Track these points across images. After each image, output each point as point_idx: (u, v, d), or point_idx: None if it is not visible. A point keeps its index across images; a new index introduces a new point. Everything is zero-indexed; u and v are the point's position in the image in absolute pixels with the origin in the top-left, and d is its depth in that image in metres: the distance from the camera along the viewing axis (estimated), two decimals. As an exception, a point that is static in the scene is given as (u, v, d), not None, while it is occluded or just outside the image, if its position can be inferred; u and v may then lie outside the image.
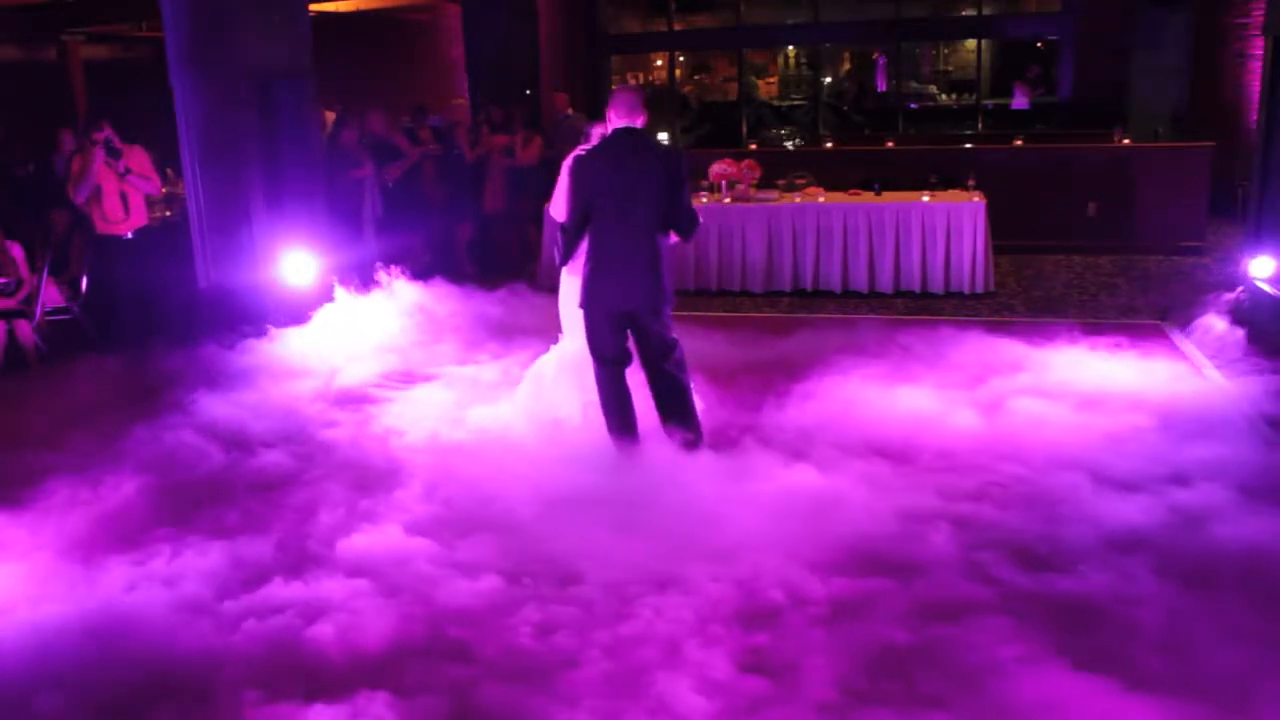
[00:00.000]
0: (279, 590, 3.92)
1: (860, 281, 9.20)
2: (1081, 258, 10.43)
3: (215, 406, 6.01)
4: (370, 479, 4.99)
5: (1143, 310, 8.29)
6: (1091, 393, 5.84)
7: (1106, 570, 3.86)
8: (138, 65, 13.81)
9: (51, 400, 6.33)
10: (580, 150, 5.04)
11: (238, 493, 4.90)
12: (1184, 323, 7.50)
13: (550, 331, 5.76)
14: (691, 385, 5.14)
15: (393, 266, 8.07)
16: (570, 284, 5.18)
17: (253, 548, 4.29)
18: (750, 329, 7.79)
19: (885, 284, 9.14)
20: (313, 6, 8.71)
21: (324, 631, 3.63)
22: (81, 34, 13.11)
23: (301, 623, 3.69)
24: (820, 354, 6.59)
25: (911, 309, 8.61)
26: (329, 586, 3.94)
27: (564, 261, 5.11)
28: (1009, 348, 6.73)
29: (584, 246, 4.92)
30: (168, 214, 9.25)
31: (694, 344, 6.90)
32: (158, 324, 7.53)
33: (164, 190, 9.00)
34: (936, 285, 9.04)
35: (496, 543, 4.23)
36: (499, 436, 5.41)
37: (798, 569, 3.97)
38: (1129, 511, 4.33)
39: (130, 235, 7.68)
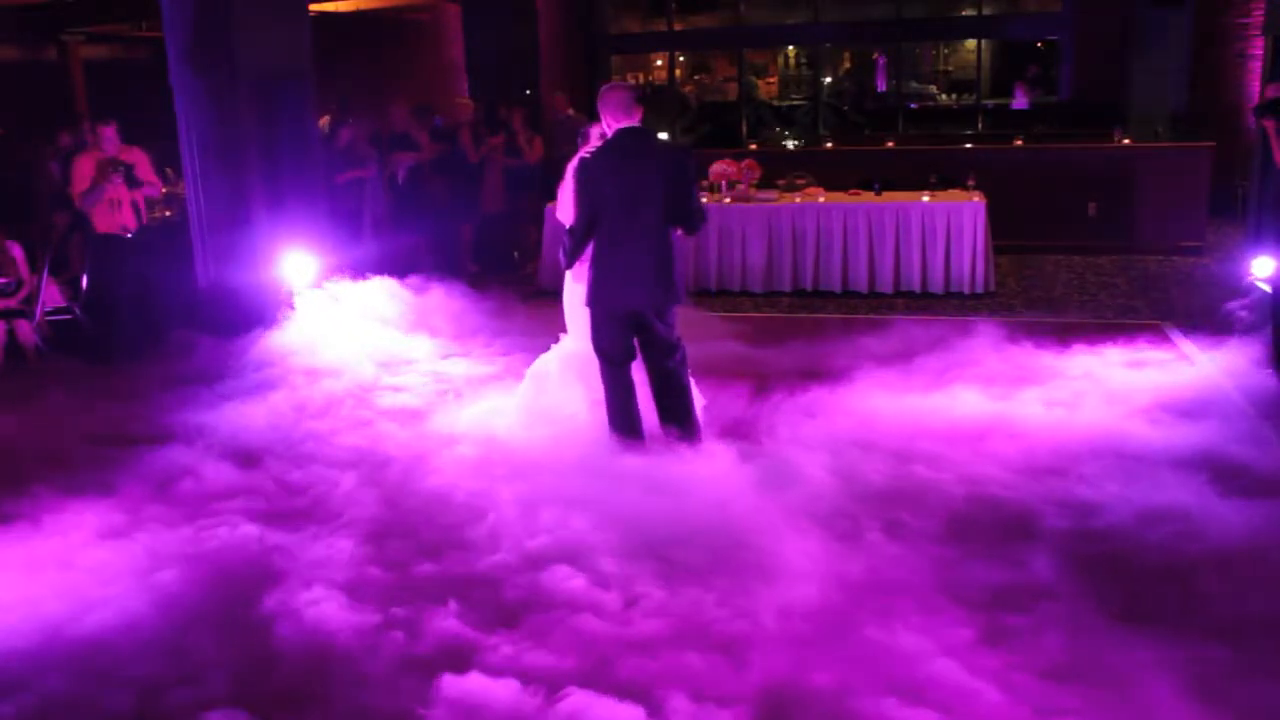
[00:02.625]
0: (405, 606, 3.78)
1: (860, 282, 9.20)
2: (1081, 258, 10.43)
3: (221, 410, 5.99)
4: (419, 484, 4.88)
5: (1143, 310, 8.29)
6: (1134, 393, 5.87)
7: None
8: (138, 65, 13.82)
9: (53, 400, 6.31)
10: (584, 152, 5.03)
11: (278, 502, 4.79)
12: (1191, 324, 7.49)
13: (551, 331, 5.76)
14: (692, 385, 5.15)
15: (394, 266, 8.07)
16: (575, 285, 5.18)
17: (346, 561, 4.14)
18: (769, 329, 7.81)
19: (885, 284, 9.14)
20: (313, 6, 8.72)
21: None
22: (81, 34, 13.11)
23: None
24: (855, 354, 6.62)
25: (911, 309, 8.61)
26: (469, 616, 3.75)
27: (569, 264, 5.09)
28: (1031, 348, 6.73)
29: (590, 247, 4.92)
30: (168, 214, 9.25)
31: (728, 346, 7.06)
32: (158, 324, 7.52)
33: (164, 190, 8.98)
34: (936, 285, 9.04)
35: (620, 554, 4.08)
36: (524, 436, 5.36)
37: (963, 567, 3.93)
38: (1249, 516, 4.24)
39: (130, 235, 7.66)
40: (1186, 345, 7.00)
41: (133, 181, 7.45)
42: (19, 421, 5.91)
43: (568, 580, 3.90)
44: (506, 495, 4.63)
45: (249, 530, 4.44)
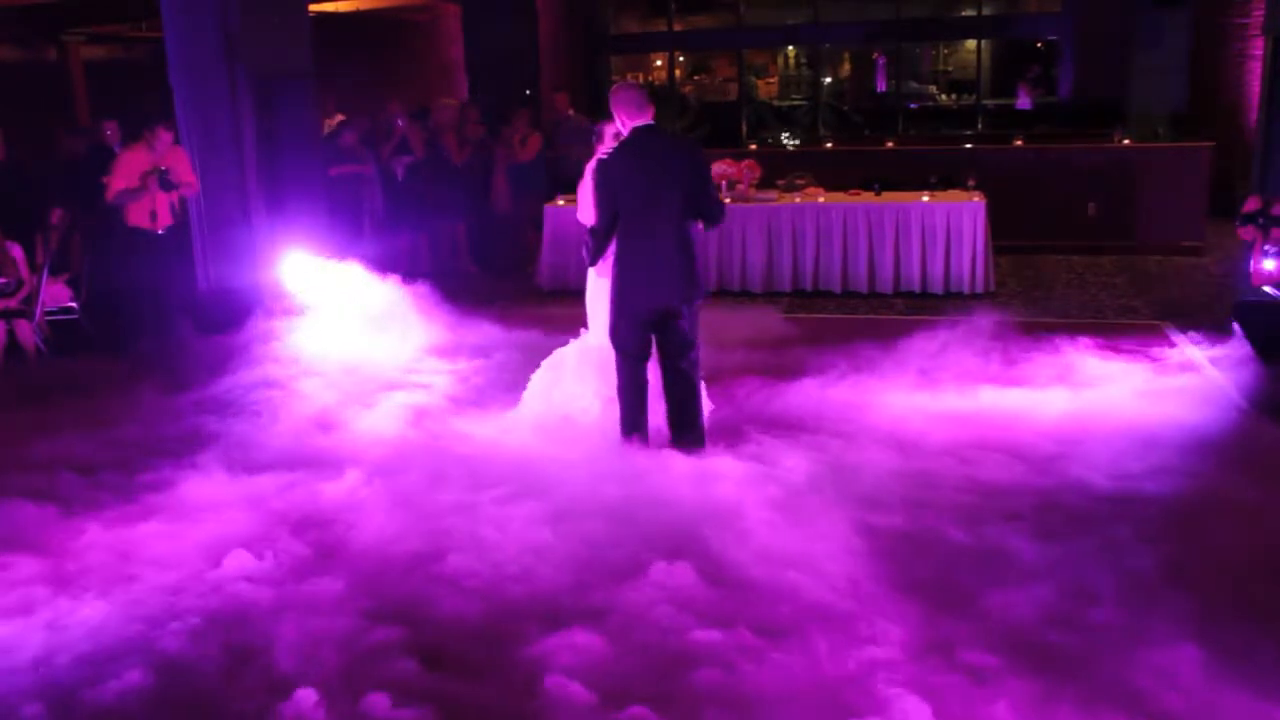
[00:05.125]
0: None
1: (860, 282, 9.19)
2: (1081, 258, 10.43)
3: (228, 412, 5.97)
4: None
5: (1143, 310, 8.29)
6: (1144, 392, 5.93)
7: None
8: (138, 65, 13.80)
9: (55, 401, 6.30)
10: (601, 153, 5.07)
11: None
12: (1191, 324, 7.51)
13: (551, 331, 5.78)
14: (702, 388, 5.20)
15: (393, 266, 8.05)
16: (599, 282, 5.23)
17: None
18: (793, 328, 7.82)
19: (885, 284, 9.13)
20: (313, 6, 8.72)
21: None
22: (81, 34, 13.09)
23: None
24: (870, 354, 6.60)
25: (911, 309, 8.61)
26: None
27: (593, 262, 5.15)
28: (1035, 347, 6.77)
29: (612, 246, 4.97)
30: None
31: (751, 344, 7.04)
32: (164, 323, 7.47)
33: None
34: (936, 285, 9.03)
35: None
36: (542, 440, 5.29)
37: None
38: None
39: (161, 232, 7.50)
40: (1186, 345, 7.01)
41: (168, 185, 7.33)
42: (25, 424, 5.89)
43: (672, 605, 3.70)
44: (554, 515, 4.42)
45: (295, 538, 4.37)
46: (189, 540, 4.35)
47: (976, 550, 4.07)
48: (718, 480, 4.65)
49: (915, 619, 3.58)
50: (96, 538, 4.40)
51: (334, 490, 4.82)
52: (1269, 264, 6.88)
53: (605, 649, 3.45)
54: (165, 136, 7.37)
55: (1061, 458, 4.99)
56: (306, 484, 4.89)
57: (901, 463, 4.96)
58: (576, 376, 5.40)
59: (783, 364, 6.56)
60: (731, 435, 5.27)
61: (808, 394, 5.92)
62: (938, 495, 4.60)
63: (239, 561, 4.14)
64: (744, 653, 3.40)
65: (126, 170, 7.34)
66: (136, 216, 7.44)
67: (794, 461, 4.91)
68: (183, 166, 7.51)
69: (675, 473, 4.72)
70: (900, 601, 3.70)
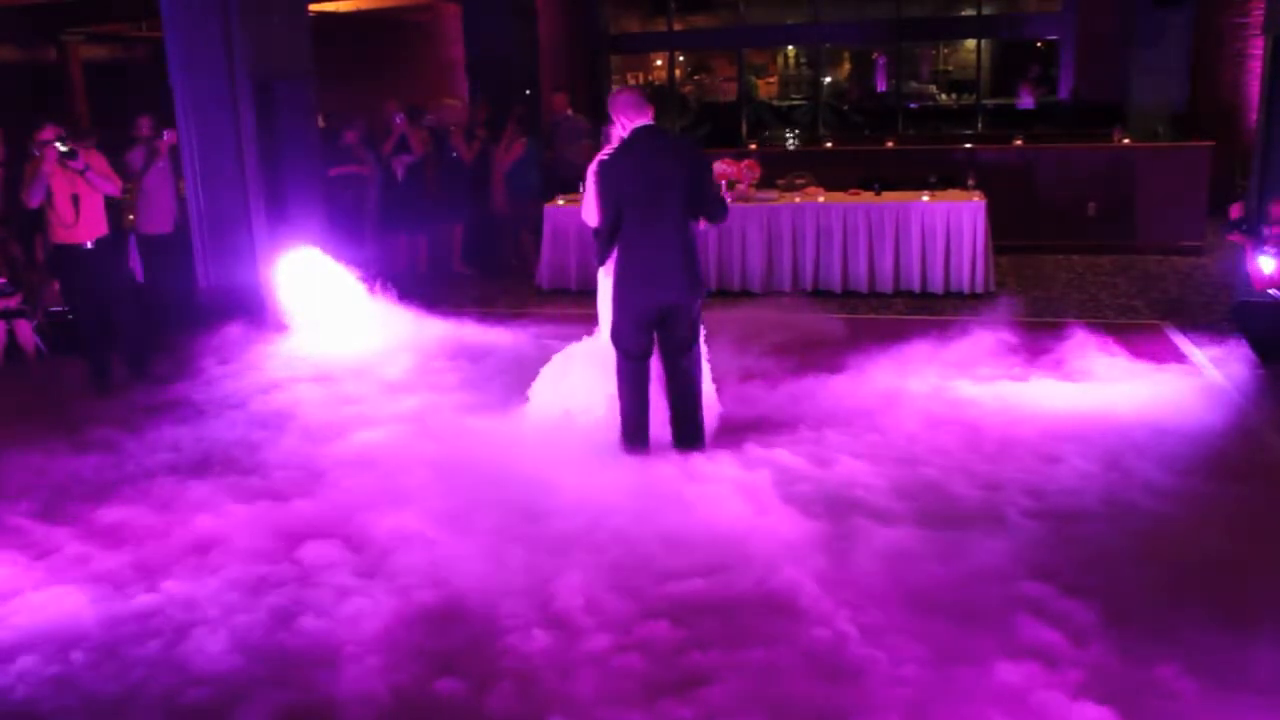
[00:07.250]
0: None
1: (860, 281, 9.19)
2: (1081, 258, 10.43)
3: (232, 418, 5.96)
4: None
5: (1143, 310, 8.29)
6: (1146, 390, 5.98)
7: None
8: (138, 65, 13.79)
9: (54, 403, 6.31)
10: (603, 155, 5.08)
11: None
12: (1191, 323, 7.51)
13: (551, 330, 5.77)
14: (704, 388, 5.18)
15: (390, 267, 8.05)
16: (606, 282, 5.21)
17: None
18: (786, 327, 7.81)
19: (885, 284, 9.13)
20: (313, 6, 8.72)
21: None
22: (81, 34, 13.09)
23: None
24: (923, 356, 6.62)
25: (911, 309, 8.61)
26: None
27: (601, 262, 5.16)
28: (1037, 346, 6.79)
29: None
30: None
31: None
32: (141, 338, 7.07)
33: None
34: (936, 285, 9.03)
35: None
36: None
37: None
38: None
39: (90, 245, 6.75)
40: (1186, 345, 7.01)
41: (70, 154, 6.50)
42: (16, 422, 5.89)
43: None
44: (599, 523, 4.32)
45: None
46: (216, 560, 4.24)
47: (1070, 550, 3.98)
48: (764, 487, 4.57)
49: (1059, 624, 3.44)
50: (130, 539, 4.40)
51: (358, 503, 4.64)
52: (1269, 265, 6.87)
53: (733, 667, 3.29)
54: (49, 132, 6.57)
55: (1101, 455, 4.97)
56: (325, 496, 4.77)
57: (951, 463, 4.92)
58: (583, 372, 5.39)
59: (806, 363, 6.58)
60: (761, 435, 5.24)
61: (835, 393, 5.93)
62: (1002, 496, 4.53)
63: (311, 554, 4.12)
64: (892, 664, 3.26)
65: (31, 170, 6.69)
66: (62, 232, 6.71)
67: (842, 463, 4.88)
68: (100, 166, 6.80)
69: (722, 482, 4.61)
70: (1030, 605, 3.56)
